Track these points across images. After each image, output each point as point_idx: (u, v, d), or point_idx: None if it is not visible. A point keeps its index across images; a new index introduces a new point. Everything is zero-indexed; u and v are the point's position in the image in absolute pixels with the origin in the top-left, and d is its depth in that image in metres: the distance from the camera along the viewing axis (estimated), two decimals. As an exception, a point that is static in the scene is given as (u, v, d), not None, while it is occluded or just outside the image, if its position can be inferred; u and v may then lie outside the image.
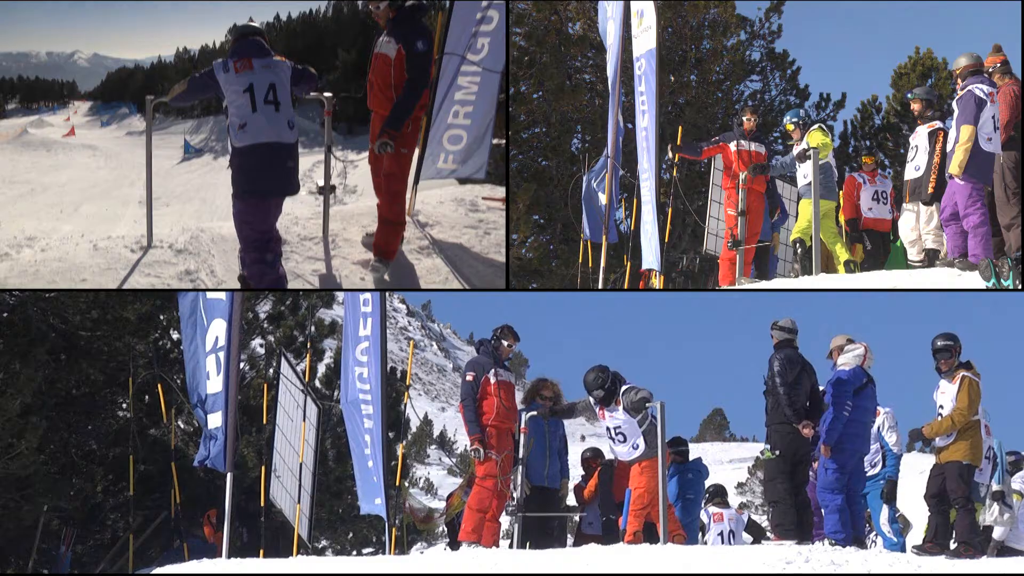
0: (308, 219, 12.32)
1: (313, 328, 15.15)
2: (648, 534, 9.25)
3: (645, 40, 12.33)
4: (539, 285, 19.73)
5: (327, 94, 11.37)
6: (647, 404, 9.23)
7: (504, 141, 13.62)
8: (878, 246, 13.09)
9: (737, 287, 12.46)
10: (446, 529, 10.95)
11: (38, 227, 16.44)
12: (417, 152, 11.77)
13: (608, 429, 9.45)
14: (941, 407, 9.31)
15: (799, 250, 12.09)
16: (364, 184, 14.08)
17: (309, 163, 24.17)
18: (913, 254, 11.70)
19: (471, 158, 12.46)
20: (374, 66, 10.66)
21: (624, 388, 9.35)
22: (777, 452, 9.05)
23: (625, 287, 13.73)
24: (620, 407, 9.30)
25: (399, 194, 10.99)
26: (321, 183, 11.56)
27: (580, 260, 13.92)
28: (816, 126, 12.26)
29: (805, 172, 12.06)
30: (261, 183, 9.37)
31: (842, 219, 13.40)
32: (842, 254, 12.07)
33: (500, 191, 13.32)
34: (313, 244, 11.66)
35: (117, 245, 11.59)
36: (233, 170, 9.41)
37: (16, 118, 58.86)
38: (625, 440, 9.33)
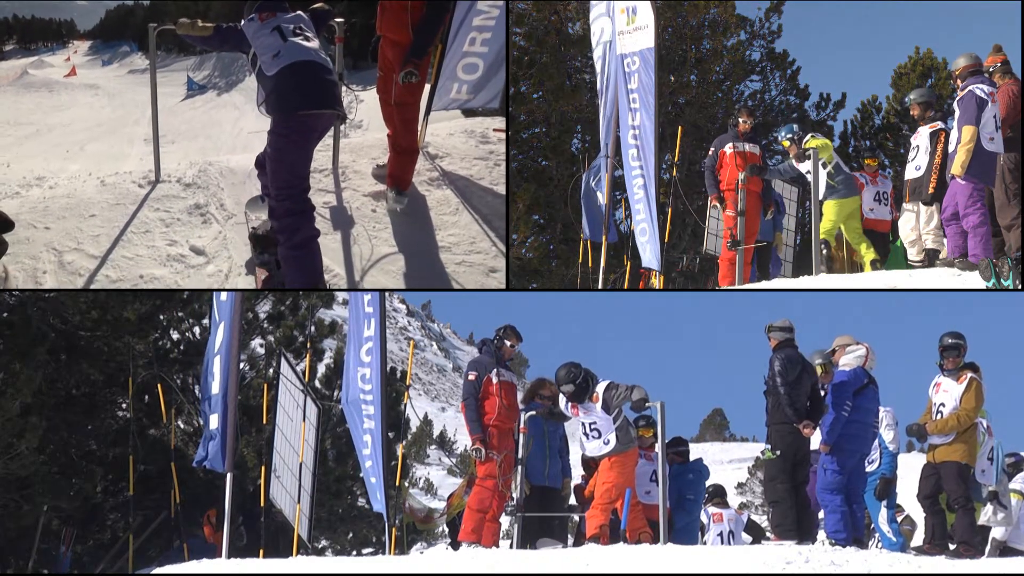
0: (317, 151, 12.16)
1: (313, 328, 15.14)
2: (612, 530, 9.17)
3: (639, 38, 12.30)
4: (539, 285, 19.71)
5: (338, 19, 11.29)
6: (648, 405, 9.19)
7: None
8: (878, 246, 13.13)
9: (738, 287, 12.46)
10: (447, 529, 10.95)
11: (46, 167, 16.45)
12: (429, 82, 11.59)
13: (582, 424, 9.38)
14: (942, 404, 9.32)
15: (824, 251, 12.19)
16: (369, 118, 14.08)
17: None
18: (913, 254, 11.70)
19: (484, 88, 12.17)
20: None
21: (606, 384, 9.26)
22: (777, 452, 9.05)
23: (625, 287, 13.73)
24: (597, 404, 9.24)
25: (412, 122, 10.90)
26: None
27: (580, 260, 13.91)
28: (810, 135, 12.35)
29: (829, 173, 12.15)
30: (306, 97, 8.81)
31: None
32: (868, 254, 12.11)
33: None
34: (323, 176, 11.63)
35: (125, 181, 11.76)
36: (272, 98, 8.87)
37: (15, 59, 58.04)
38: (599, 436, 9.28)
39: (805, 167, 12.16)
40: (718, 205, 12.80)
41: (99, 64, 56.93)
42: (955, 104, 10.20)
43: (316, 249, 8.93)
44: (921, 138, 11.49)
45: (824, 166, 11.97)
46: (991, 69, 10.35)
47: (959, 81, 10.29)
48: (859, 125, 22.44)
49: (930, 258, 11.41)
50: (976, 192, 10.04)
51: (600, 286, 13.51)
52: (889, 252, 12.97)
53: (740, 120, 12.74)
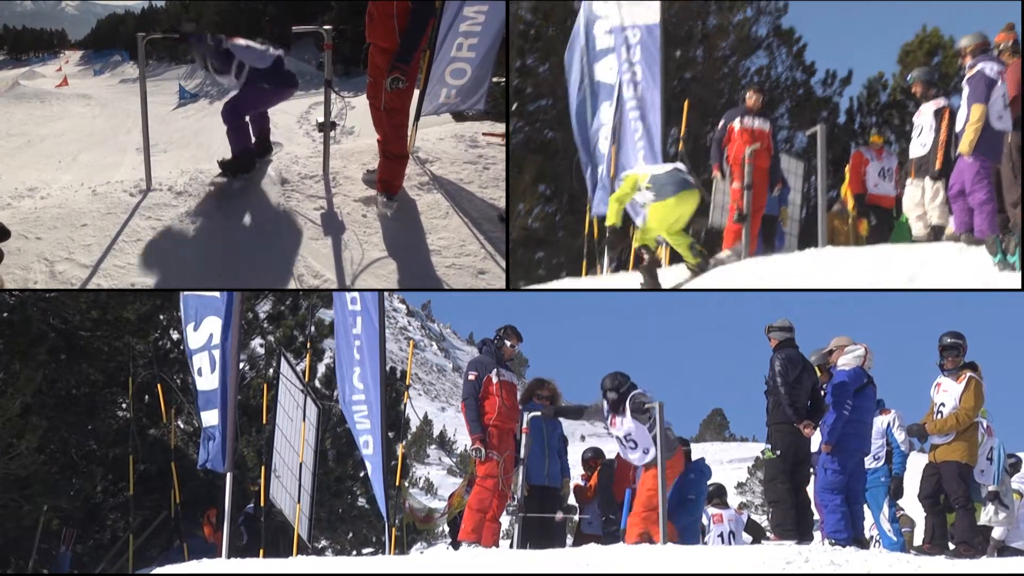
0: (308, 157, 12.33)
1: (313, 328, 15.14)
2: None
3: (643, 11, 12.20)
4: (545, 255, 19.65)
5: (326, 27, 11.36)
6: (645, 405, 9.16)
7: (504, 79, 13.58)
8: (883, 222, 12.99)
9: (738, 288, 12.40)
10: (448, 528, 10.95)
11: (38, 178, 16.40)
12: (418, 88, 11.68)
13: (619, 439, 9.40)
14: (942, 404, 9.33)
15: (646, 256, 11.56)
16: (360, 125, 14.25)
17: (307, 104, 24.14)
18: (918, 229, 11.57)
19: (472, 92, 12.34)
20: None
21: (632, 393, 9.30)
22: (778, 452, 9.05)
23: (631, 261, 13.56)
24: (627, 413, 9.26)
25: (401, 127, 11.00)
26: (320, 120, 11.59)
27: (586, 232, 13.84)
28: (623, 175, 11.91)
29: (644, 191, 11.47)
30: (288, 79, 11.83)
31: (849, 193, 13.28)
32: (688, 254, 11.70)
33: (500, 127, 13.33)
34: (314, 182, 11.71)
35: (116, 190, 11.71)
36: (270, 75, 11.64)
37: (6, 70, 57.72)
38: (636, 447, 9.29)
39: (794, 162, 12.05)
40: (718, 175, 12.68)
41: (91, 74, 56.76)
42: (964, 83, 10.11)
43: (246, 127, 11.90)
44: (924, 116, 11.42)
45: (642, 191, 11.38)
46: (1000, 47, 10.26)
47: (967, 59, 10.16)
48: (865, 102, 22.29)
49: (936, 234, 11.30)
50: (983, 169, 9.92)
51: (606, 260, 13.36)
52: (893, 227, 12.83)
53: (748, 95, 12.65)
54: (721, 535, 11.32)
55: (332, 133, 11.93)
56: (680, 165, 11.57)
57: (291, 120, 22.33)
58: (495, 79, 12.83)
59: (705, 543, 11.07)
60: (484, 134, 13.04)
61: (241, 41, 11.65)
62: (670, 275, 11.90)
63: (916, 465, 10.07)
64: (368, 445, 10.17)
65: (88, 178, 15.16)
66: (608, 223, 11.60)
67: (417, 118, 12.01)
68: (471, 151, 12.76)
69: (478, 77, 12.20)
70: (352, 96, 13.14)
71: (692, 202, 11.47)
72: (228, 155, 11.83)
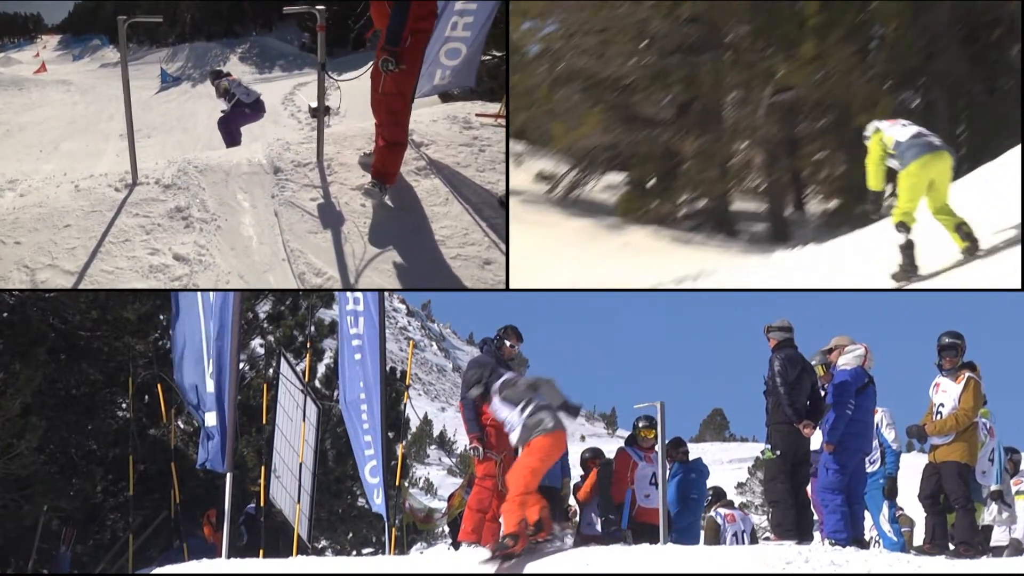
0: (300, 144, 11.81)
1: (313, 328, 15.14)
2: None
3: None
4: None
5: (319, 7, 11.08)
6: (646, 404, 9.07)
7: (494, 55, 13.46)
8: None
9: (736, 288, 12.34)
10: (448, 528, 10.95)
11: (19, 169, 15.39)
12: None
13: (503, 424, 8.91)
14: (941, 404, 9.33)
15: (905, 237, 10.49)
16: (349, 107, 13.87)
17: (290, 85, 23.64)
18: None
19: (463, 72, 12.21)
20: None
21: (501, 381, 8.85)
22: (777, 452, 9.04)
23: None
24: (497, 399, 8.81)
25: (399, 113, 10.62)
26: (314, 104, 11.24)
27: None
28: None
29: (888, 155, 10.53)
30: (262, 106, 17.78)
31: None
32: (957, 241, 10.43)
33: (492, 107, 13.15)
34: (308, 171, 11.19)
35: (100, 184, 10.95)
36: (254, 105, 17.31)
37: (-21, 57, 57.24)
38: (512, 428, 8.77)
39: None
40: None
41: (70, 59, 55.94)
42: None
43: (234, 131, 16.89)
44: None
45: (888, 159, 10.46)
46: None
47: None
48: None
49: None
50: None
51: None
52: None
53: None
54: (736, 534, 11.31)
55: (326, 117, 11.59)
56: (923, 129, 10.43)
57: (275, 102, 21.94)
58: (483, 57, 12.62)
59: (722, 542, 11.04)
60: (477, 115, 12.84)
61: (236, 79, 17.70)
62: (932, 259, 10.57)
63: (916, 465, 10.05)
64: (370, 445, 10.17)
65: (71, 167, 14.51)
66: (872, 187, 10.52)
67: (410, 101, 11.83)
68: (465, 133, 12.37)
69: (471, 55, 12.01)
70: (337, 76, 12.75)
71: (940, 166, 10.23)
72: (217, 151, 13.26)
